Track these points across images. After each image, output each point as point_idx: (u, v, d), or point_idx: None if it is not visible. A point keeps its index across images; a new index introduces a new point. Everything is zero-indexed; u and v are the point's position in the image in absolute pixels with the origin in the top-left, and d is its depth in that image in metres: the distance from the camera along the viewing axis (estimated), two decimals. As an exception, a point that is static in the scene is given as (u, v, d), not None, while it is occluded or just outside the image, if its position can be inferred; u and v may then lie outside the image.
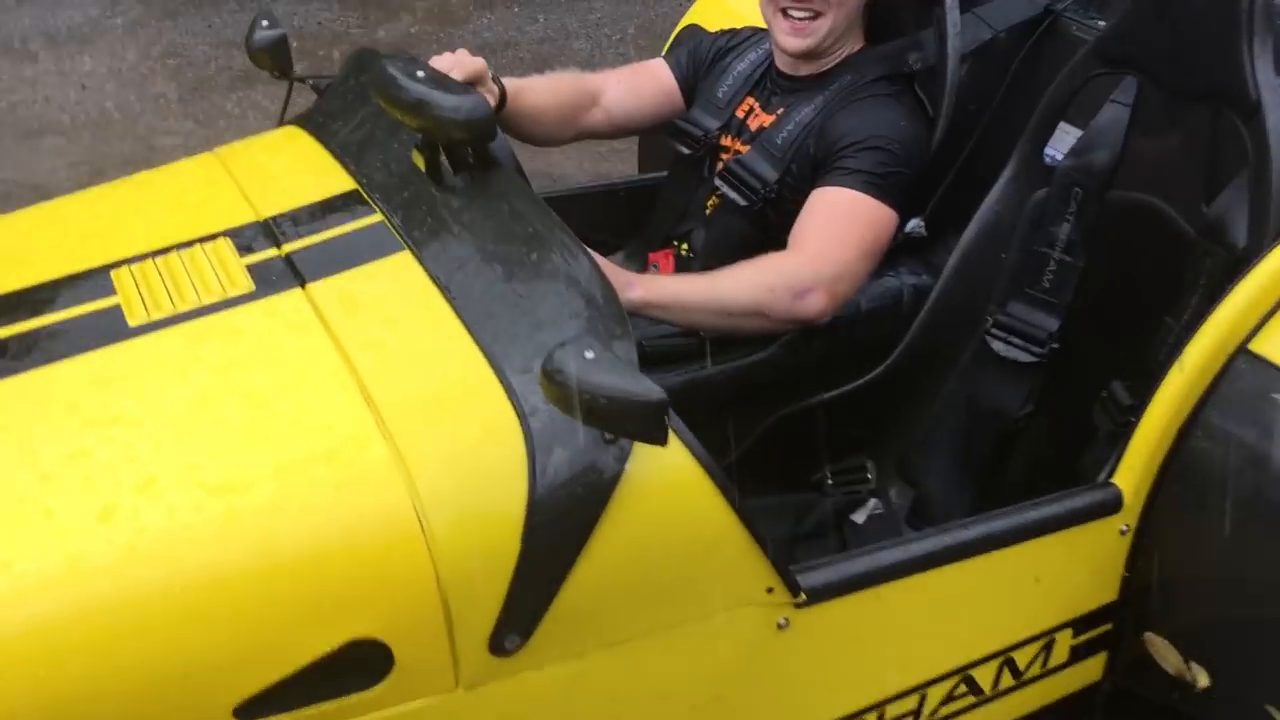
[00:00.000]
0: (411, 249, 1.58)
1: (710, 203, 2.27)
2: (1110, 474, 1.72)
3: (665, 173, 2.48)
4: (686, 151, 2.28)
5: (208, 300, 1.54)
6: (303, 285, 1.56)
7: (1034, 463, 2.07)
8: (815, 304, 1.93)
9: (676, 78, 2.36)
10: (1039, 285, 2.04)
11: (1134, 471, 1.69)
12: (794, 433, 2.09)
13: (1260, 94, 1.69)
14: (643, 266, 2.34)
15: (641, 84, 2.35)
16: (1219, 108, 1.77)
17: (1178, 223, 1.86)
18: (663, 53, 2.64)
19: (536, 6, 5.71)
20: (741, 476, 2.00)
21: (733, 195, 2.17)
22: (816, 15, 2.10)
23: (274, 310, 1.53)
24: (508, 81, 2.16)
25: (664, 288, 1.87)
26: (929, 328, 2.10)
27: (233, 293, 1.55)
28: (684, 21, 2.83)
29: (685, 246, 2.29)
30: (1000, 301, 2.08)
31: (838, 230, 1.98)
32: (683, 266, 2.28)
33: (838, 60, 2.18)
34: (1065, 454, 2.02)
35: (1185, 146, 1.85)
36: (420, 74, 1.59)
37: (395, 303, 1.52)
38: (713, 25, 2.72)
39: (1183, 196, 1.86)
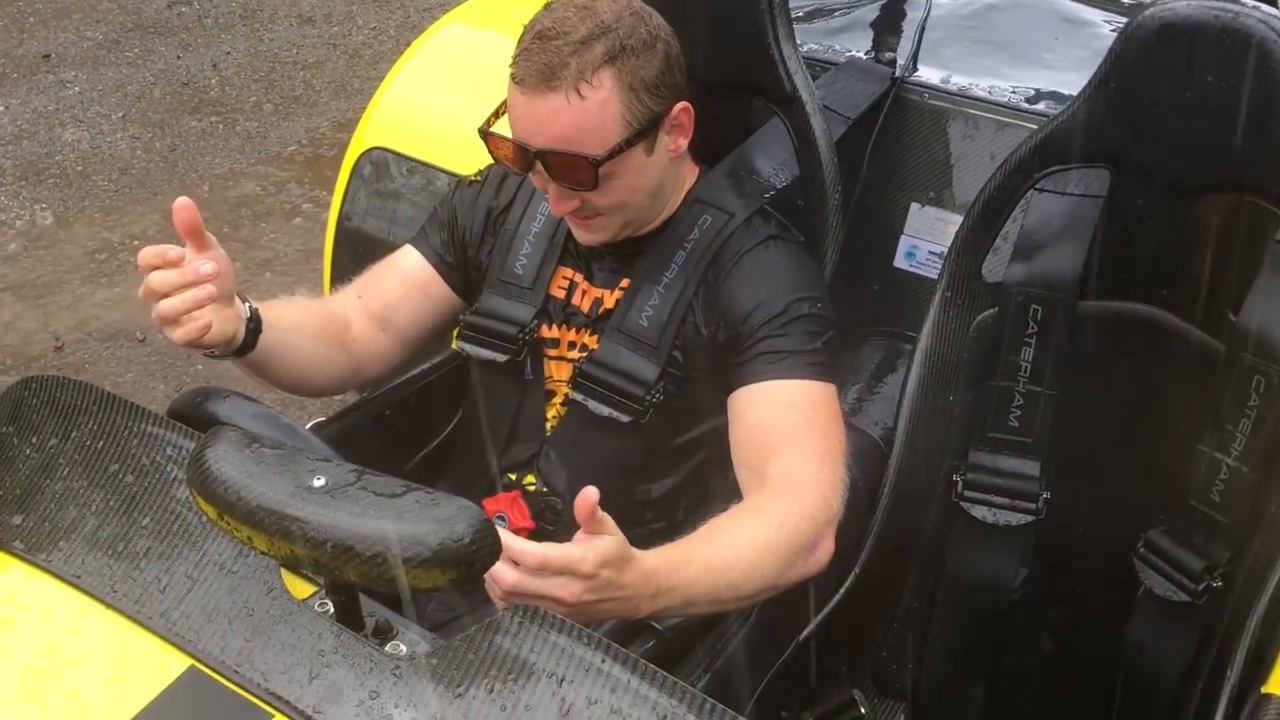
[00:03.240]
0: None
1: (551, 415, 1.66)
2: (1259, 679, 1.35)
3: (428, 368, 1.83)
4: (501, 358, 1.65)
5: None
6: None
7: (1041, 635, 1.70)
8: (824, 554, 1.44)
9: (433, 263, 1.71)
10: (1005, 426, 1.65)
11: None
12: (770, 694, 1.58)
13: None
14: (477, 518, 1.69)
15: (386, 286, 1.70)
16: (1242, 196, 1.44)
17: (1192, 335, 1.53)
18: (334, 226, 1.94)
19: (-19, 90, 4.52)
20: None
21: (603, 410, 1.58)
22: (597, 214, 1.55)
23: None
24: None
25: (678, 590, 1.26)
26: (894, 510, 1.65)
27: None
28: (354, 150, 2.13)
29: (531, 480, 1.67)
30: (958, 453, 1.67)
31: (813, 445, 1.46)
32: (538, 506, 1.66)
33: (676, 205, 1.63)
34: (1081, 618, 1.67)
35: (1190, 244, 1.51)
36: (322, 479, 0.89)
37: None
38: (398, 142, 2.07)
39: (1193, 302, 1.52)
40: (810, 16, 2.05)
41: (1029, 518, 1.64)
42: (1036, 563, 1.67)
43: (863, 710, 1.66)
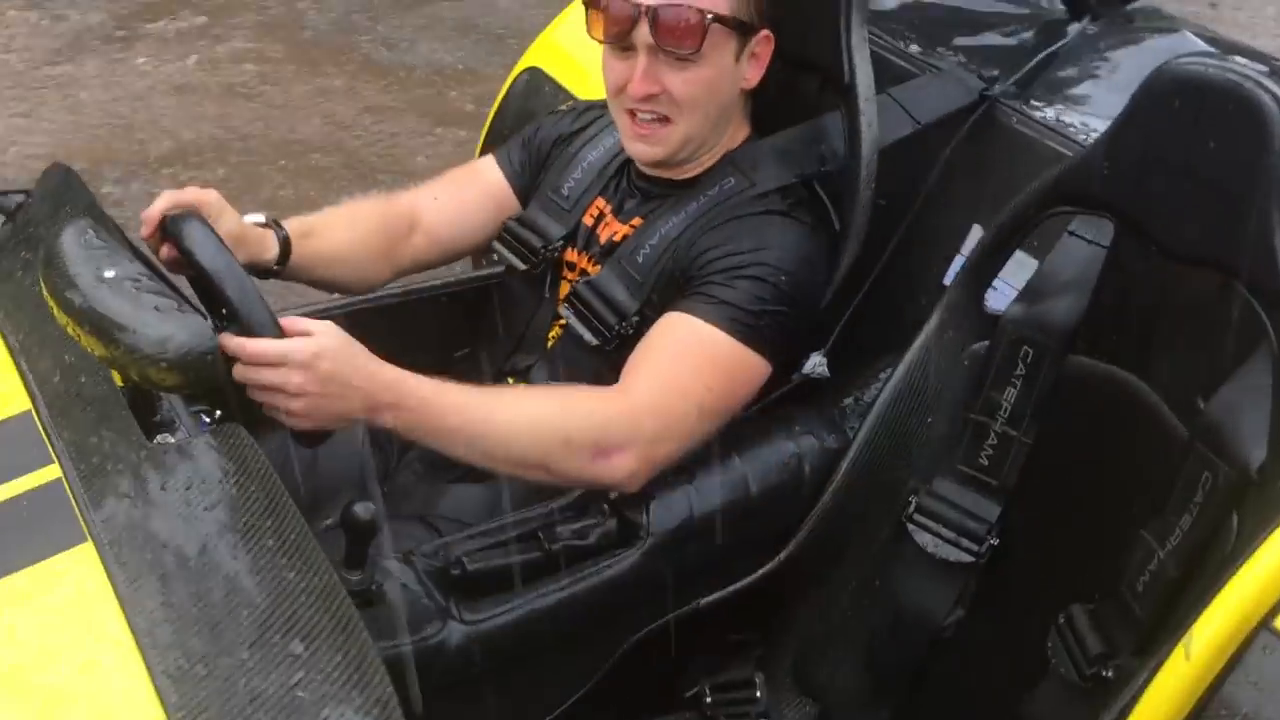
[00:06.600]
0: (96, 540, 1.05)
1: (552, 333, 1.77)
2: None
3: (500, 269, 1.97)
4: (521, 265, 1.77)
5: None
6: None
7: (960, 681, 1.64)
8: (620, 468, 1.47)
9: (508, 176, 1.84)
10: (974, 462, 1.60)
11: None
12: (662, 643, 1.62)
13: None
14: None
15: (465, 194, 1.84)
16: (1230, 280, 1.33)
17: (1162, 413, 1.43)
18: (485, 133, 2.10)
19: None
20: (599, 704, 1.59)
21: (580, 329, 1.67)
22: (666, 120, 1.61)
23: None
24: (293, 223, 1.63)
25: (424, 409, 1.37)
26: (835, 511, 1.64)
27: None
28: (520, 65, 2.28)
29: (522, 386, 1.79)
30: (924, 476, 1.64)
31: (677, 376, 1.50)
32: (518, 412, 1.77)
33: (714, 160, 1.68)
34: (1001, 677, 1.60)
35: (1175, 316, 1.41)
36: (113, 271, 1.05)
37: (61, 644, 0.99)
38: (555, 69, 2.20)
39: (1169, 380, 1.43)
40: (953, 24, 2.01)
41: (969, 558, 1.59)
42: (973, 609, 1.62)
43: (759, 694, 1.68)
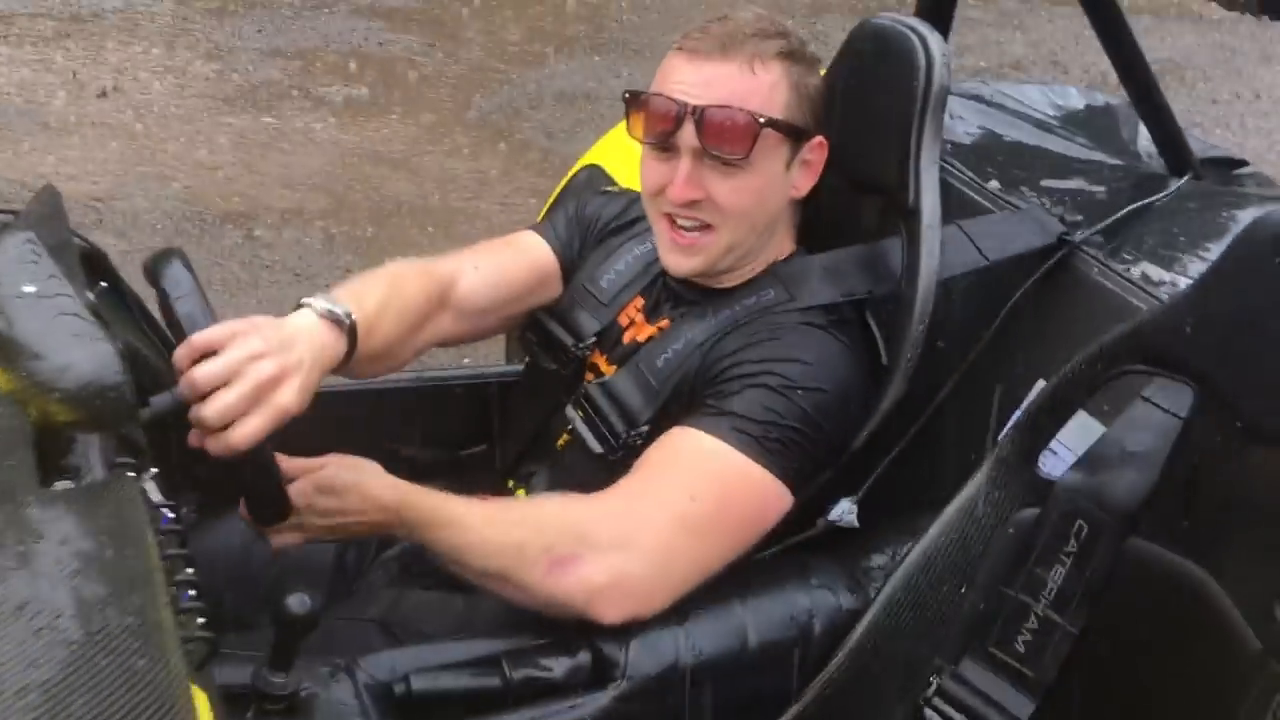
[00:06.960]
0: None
1: (563, 439, 1.61)
2: None
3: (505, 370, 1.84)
4: (551, 365, 1.63)
5: None
6: None
7: None
8: (579, 583, 1.30)
9: (555, 250, 1.70)
10: (1009, 647, 1.40)
11: None
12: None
13: None
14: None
15: (508, 265, 1.67)
16: None
17: (1232, 618, 1.23)
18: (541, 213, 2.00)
19: (619, 58, 5.23)
20: None
21: (586, 435, 1.52)
22: (707, 228, 1.47)
23: None
24: (356, 313, 1.40)
25: (418, 512, 1.32)
26: (843, 681, 1.44)
27: None
28: (581, 161, 2.18)
29: (523, 493, 1.63)
30: (949, 655, 1.43)
31: (654, 483, 1.36)
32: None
33: (756, 271, 1.55)
34: None
35: (1256, 507, 1.22)
36: (35, 287, 0.93)
37: None
38: (617, 169, 2.09)
39: (1243, 580, 1.22)
40: (1040, 165, 1.86)
41: None
42: None
43: None
